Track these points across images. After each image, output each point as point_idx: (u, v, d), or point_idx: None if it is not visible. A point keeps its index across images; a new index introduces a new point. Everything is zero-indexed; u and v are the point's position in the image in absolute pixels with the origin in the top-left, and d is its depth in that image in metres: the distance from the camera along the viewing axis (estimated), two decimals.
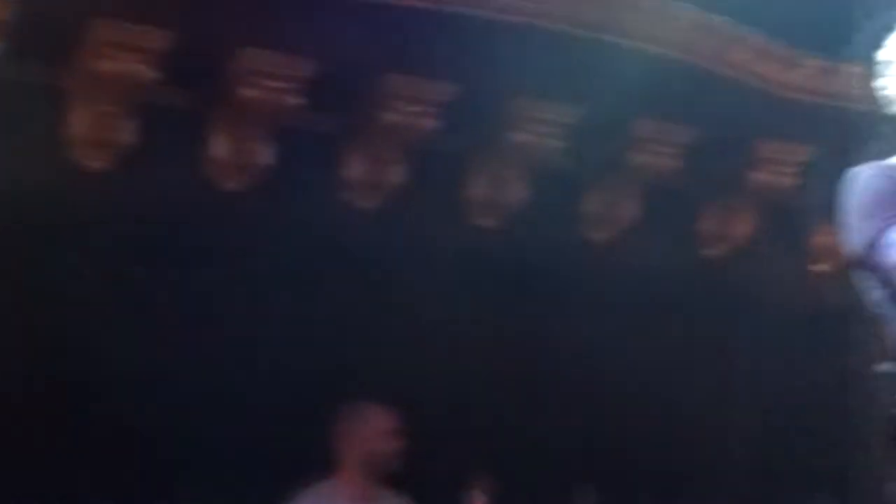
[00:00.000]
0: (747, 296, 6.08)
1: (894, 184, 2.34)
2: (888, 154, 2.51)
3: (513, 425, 5.60)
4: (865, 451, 5.07)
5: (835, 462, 5.77)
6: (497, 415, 5.59)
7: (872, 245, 2.29)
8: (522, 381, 5.70)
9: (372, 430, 4.95)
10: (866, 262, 2.34)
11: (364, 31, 4.87)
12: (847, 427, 5.60)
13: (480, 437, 5.40)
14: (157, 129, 4.99)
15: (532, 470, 5.50)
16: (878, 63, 2.56)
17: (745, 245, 6.13)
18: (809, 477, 5.86)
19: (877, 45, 2.56)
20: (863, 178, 2.39)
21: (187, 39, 4.78)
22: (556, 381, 5.75)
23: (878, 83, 2.56)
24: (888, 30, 2.55)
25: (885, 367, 2.31)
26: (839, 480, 5.72)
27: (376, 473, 4.97)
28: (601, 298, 5.83)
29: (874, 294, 2.36)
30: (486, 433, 5.46)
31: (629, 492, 5.54)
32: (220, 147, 5.20)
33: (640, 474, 5.72)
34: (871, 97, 2.62)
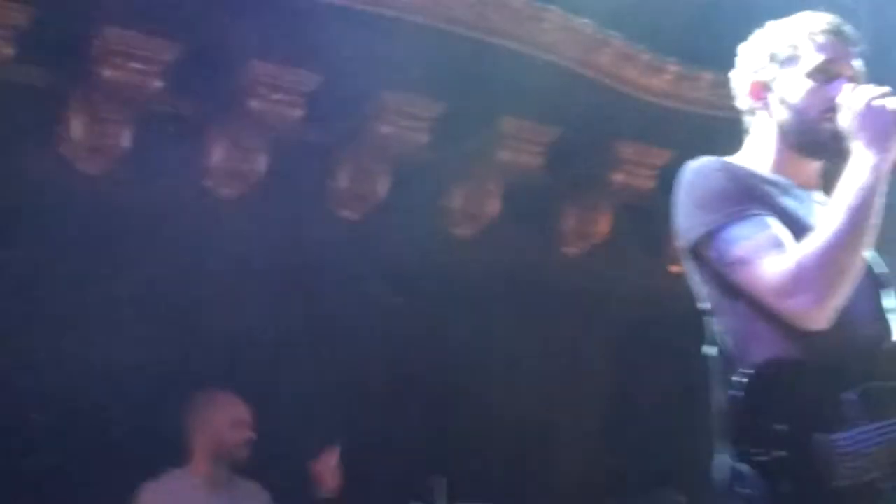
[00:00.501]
0: (604, 294, 6.21)
1: (734, 180, 2.38)
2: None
3: (368, 416, 5.59)
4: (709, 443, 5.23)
5: (682, 456, 5.93)
6: (354, 407, 5.58)
7: (710, 238, 2.33)
8: (381, 373, 5.71)
9: (221, 419, 4.93)
10: (702, 254, 2.38)
11: (231, 17, 4.80)
12: (695, 421, 5.76)
13: (336, 430, 5.37)
14: (14, 110, 4.84)
15: (385, 461, 5.50)
16: (733, 70, 2.63)
17: (604, 244, 6.26)
18: (656, 470, 6.01)
19: (733, 53, 2.63)
20: (704, 172, 2.42)
21: (46, 17, 4.63)
22: (414, 375, 5.78)
23: (733, 90, 2.65)
24: (743, 38, 2.62)
25: (710, 350, 2.38)
26: (685, 474, 5.87)
27: (226, 462, 4.93)
28: (462, 293, 5.88)
29: (705, 287, 2.41)
30: (342, 426, 5.44)
31: (480, 484, 5.58)
32: (78, 128, 5.05)
33: (491, 467, 5.78)
34: (727, 103, 2.69)
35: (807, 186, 2.53)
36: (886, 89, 2.34)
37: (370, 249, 5.71)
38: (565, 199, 6.23)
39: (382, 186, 5.74)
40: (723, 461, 2.15)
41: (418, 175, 5.77)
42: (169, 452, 4.97)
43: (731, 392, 2.17)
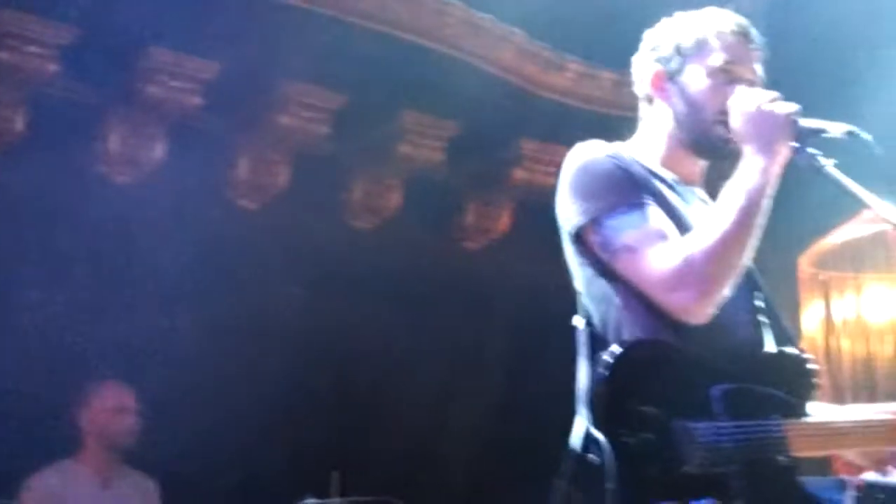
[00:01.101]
0: (504, 288, 6.25)
1: (622, 168, 2.38)
2: None
3: (265, 409, 5.53)
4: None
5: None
6: (251, 400, 5.52)
7: (595, 225, 2.33)
8: (279, 365, 5.65)
9: (104, 407, 4.86)
10: (585, 239, 2.37)
11: (129, 3, 4.71)
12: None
13: (232, 425, 5.31)
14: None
15: (281, 455, 5.45)
16: (636, 54, 2.64)
17: (504, 239, 6.31)
18: (553, 462, 6.06)
19: (631, 52, 2.64)
20: (591, 158, 2.41)
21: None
22: (312, 367, 5.73)
23: (633, 74, 2.66)
24: (640, 38, 2.64)
25: (578, 323, 2.38)
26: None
27: (113, 451, 4.87)
28: (362, 285, 5.87)
29: (586, 271, 2.40)
30: (237, 419, 5.38)
31: (375, 478, 5.57)
32: None
33: (387, 461, 5.76)
34: (628, 102, 2.71)
35: (690, 182, 2.55)
36: (776, 94, 2.36)
37: (270, 240, 5.66)
38: (466, 194, 6.26)
39: (283, 177, 5.69)
40: (580, 429, 2.18)
41: (319, 167, 5.73)
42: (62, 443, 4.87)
43: (598, 369, 2.18)
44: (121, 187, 5.34)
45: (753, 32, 2.55)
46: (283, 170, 5.68)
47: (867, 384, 6.63)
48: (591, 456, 2.13)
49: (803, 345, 6.79)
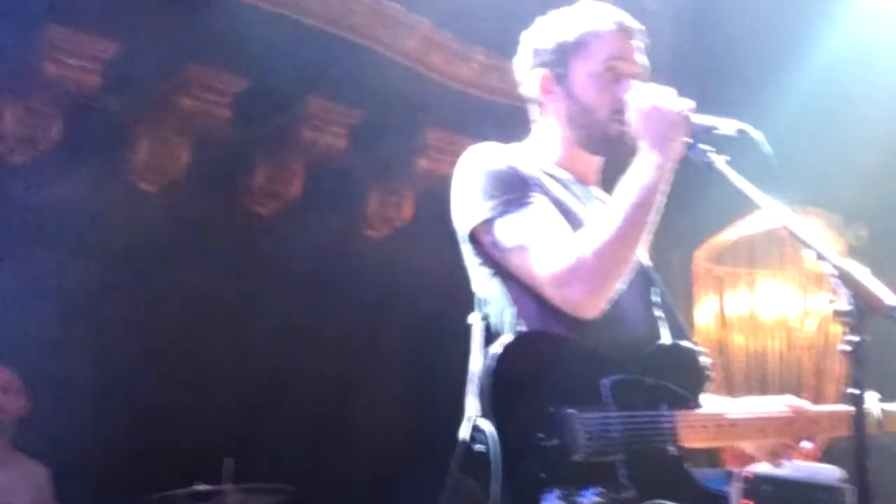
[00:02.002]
0: (405, 278, 6.25)
1: (514, 167, 2.39)
2: None
3: (159, 395, 5.46)
4: None
5: None
6: (144, 386, 5.43)
7: (488, 224, 2.34)
8: (178, 352, 5.57)
9: None
10: (478, 239, 2.38)
11: None
12: None
13: (126, 411, 5.23)
14: None
15: (172, 442, 5.38)
16: (517, 58, 2.65)
17: (408, 228, 6.31)
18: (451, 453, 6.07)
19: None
20: (484, 158, 2.42)
21: None
22: (212, 355, 5.67)
23: (517, 78, 2.63)
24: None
25: (474, 319, 2.39)
26: None
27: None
28: (264, 272, 5.82)
29: (481, 271, 2.42)
30: (132, 405, 5.30)
31: (271, 466, 5.53)
32: None
33: (283, 449, 5.72)
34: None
35: (586, 181, 2.58)
36: (671, 90, 2.38)
37: (169, 225, 5.57)
38: (369, 182, 6.25)
39: (183, 160, 5.61)
40: (468, 420, 2.18)
41: (221, 151, 5.66)
42: None
43: (487, 360, 2.20)
44: (15, 168, 5.21)
45: (633, 23, 2.57)
46: (184, 152, 5.60)
47: (758, 378, 6.78)
48: (477, 446, 2.14)
49: (697, 339, 6.94)
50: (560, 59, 2.54)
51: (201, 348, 5.60)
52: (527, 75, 2.61)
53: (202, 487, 4.67)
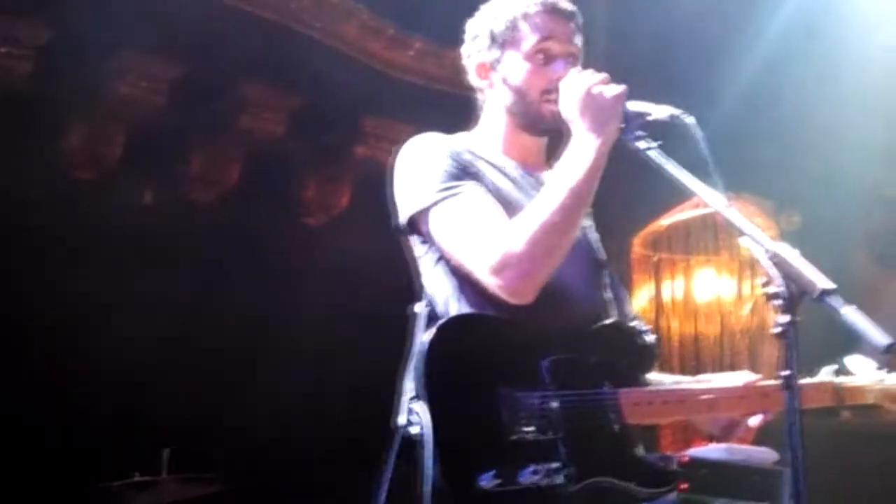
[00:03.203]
0: (343, 265, 6.23)
1: (452, 157, 2.39)
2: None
3: (95, 386, 5.39)
4: None
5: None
6: (80, 379, 5.36)
7: (425, 213, 2.35)
8: (112, 340, 5.50)
9: None
10: (417, 228, 2.39)
11: None
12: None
13: (59, 401, 5.16)
14: None
15: (110, 432, 5.32)
16: (461, 47, 2.67)
17: (345, 215, 6.29)
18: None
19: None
20: (422, 147, 2.43)
21: None
22: (146, 346, 5.60)
23: (462, 67, 2.62)
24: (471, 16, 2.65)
25: (417, 307, 2.37)
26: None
27: None
28: (199, 261, 5.77)
29: (421, 258, 2.42)
30: (65, 395, 5.23)
31: (207, 456, 5.49)
32: None
33: (220, 440, 5.68)
34: (467, 81, 2.73)
35: (533, 167, 2.58)
36: (605, 76, 2.38)
37: (102, 212, 5.50)
38: (307, 169, 6.22)
39: (118, 148, 5.54)
40: (404, 402, 2.18)
41: (157, 138, 5.60)
42: None
43: (424, 342, 2.19)
44: None
45: (565, 5, 2.57)
46: (119, 140, 5.54)
47: (694, 362, 6.87)
48: (412, 428, 2.14)
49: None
50: (493, 46, 2.55)
51: (138, 338, 5.54)
52: (466, 63, 2.62)
53: (139, 478, 4.64)
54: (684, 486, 5.48)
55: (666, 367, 6.95)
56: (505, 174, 2.48)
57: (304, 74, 5.49)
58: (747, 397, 2.49)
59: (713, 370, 6.76)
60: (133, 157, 5.59)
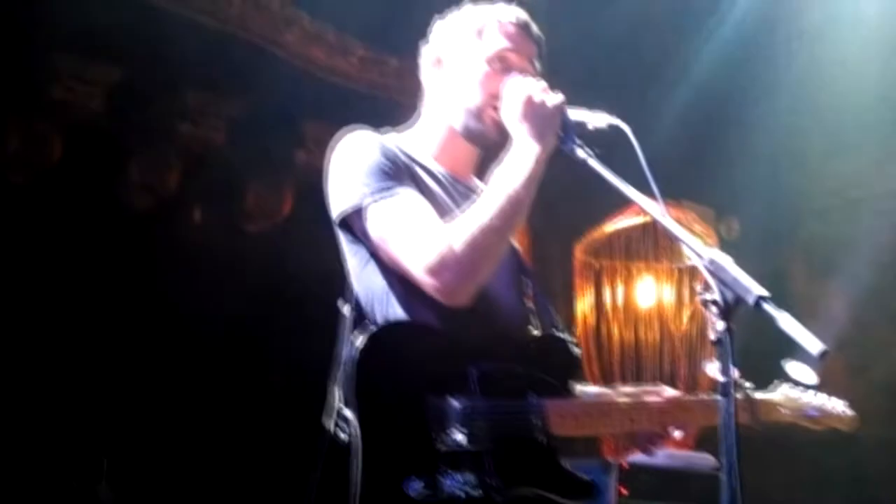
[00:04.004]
0: (284, 272, 6.20)
1: (388, 156, 2.38)
2: None
3: (31, 394, 5.32)
4: None
5: None
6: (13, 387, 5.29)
7: (360, 212, 2.32)
8: (52, 349, 5.43)
9: None
10: (351, 226, 2.37)
11: None
12: None
13: None
14: None
15: (45, 441, 5.25)
16: (424, 42, 2.63)
17: (287, 222, 6.26)
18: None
19: (417, 39, 2.66)
20: (358, 144, 2.42)
21: None
22: (89, 354, 5.54)
23: (420, 62, 2.64)
24: (429, 25, 2.66)
25: (344, 308, 2.39)
26: None
27: None
28: (139, 269, 5.71)
29: (353, 257, 2.41)
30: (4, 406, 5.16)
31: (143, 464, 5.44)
32: None
33: (155, 448, 5.62)
34: (413, 89, 2.73)
35: (463, 176, 2.59)
36: (545, 84, 2.41)
37: (39, 219, 5.42)
38: (249, 175, 6.18)
39: (55, 152, 5.47)
40: (332, 409, 2.18)
41: (95, 144, 5.54)
42: None
43: (353, 348, 2.19)
44: None
45: (536, 29, 2.60)
46: (56, 144, 5.46)
47: (634, 368, 6.91)
48: (342, 435, 2.13)
49: (577, 329, 7.05)
50: (457, 42, 2.57)
51: (79, 345, 5.48)
52: (424, 56, 2.63)
53: (77, 486, 4.59)
54: (625, 491, 5.53)
55: (607, 373, 7.05)
56: (436, 179, 2.49)
57: (244, 81, 5.46)
58: (668, 411, 2.54)
59: (653, 376, 6.88)
60: (72, 161, 5.52)
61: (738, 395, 2.54)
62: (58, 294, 5.45)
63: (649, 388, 2.61)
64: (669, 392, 2.59)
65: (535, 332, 2.48)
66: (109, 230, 5.68)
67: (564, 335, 2.48)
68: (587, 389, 2.56)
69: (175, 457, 5.64)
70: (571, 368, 2.45)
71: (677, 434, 2.63)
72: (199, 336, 5.87)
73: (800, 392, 2.81)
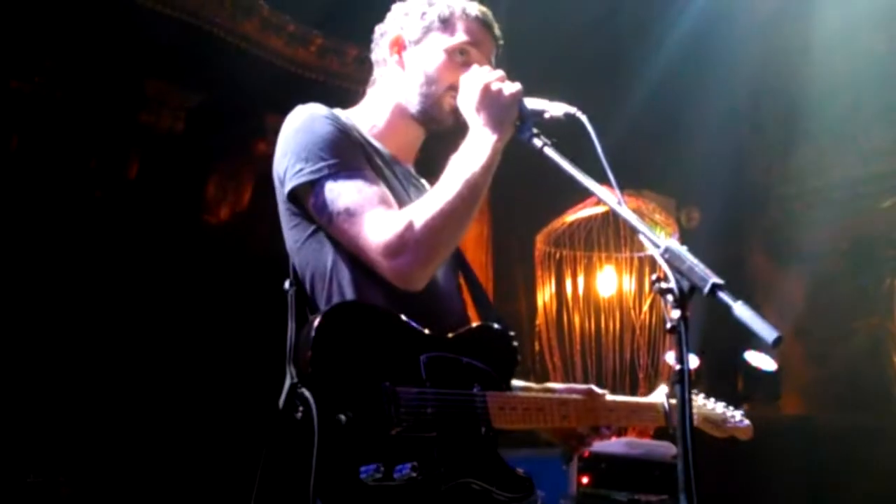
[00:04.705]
0: (243, 263, 6.17)
1: (343, 132, 2.36)
2: None
3: None
4: None
5: None
6: None
7: (312, 187, 2.29)
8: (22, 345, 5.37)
9: None
10: (300, 200, 2.33)
11: None
12: None
13: None
14: None
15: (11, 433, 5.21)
16: (382, 21, 2.62)
17: (246, 212, 6.23)
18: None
19: (373, 27, 2.65)
20: (311, 119, 2.38)
21: None
22: (45, 343, 5.49)
23: (374, 38, 2.62)
24: (384, 13, 2.65)
25: (289, 287, 2.36)
26: None
27: None
28: (98, 259, 5.67)
29: (298, 232, 2.37)
30: None
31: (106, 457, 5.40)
32: None
33: (117, 438, 5.59)
34: (367, 77, 2.73)
35: (404, 159, 2.59)
36: (502, 73, 2.42)
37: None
38: (208, 166, 6.15)
39: (14, 143, 5.42)
40: (286, 388, 2.16)
41: (52, 134, 5.49)
42: None
43: (306, 330, 2.17)
44: None
45: (497, 29, 2.62)
46: (13, 136, 5.41)
47: (595, 356, 6.95)
48: (297, 413, 2.11)
49: (538, 319, 7.06)
50: (420, 26, 2.56)
51: (36, 339, 5.43)
52: (383, 34, 2.62)
53: (34, 480, 4.56)
54: (586, 479, 5.56)
55: (568, 363, 7.06)
56: (383, 159, 2.48)
57: (203, 70, 5.43)
58: (595, 410, 2.62)
59: (614, 365, 6.91)
60: (30, 152, 5.47)
61: (655, 400, 2.69)
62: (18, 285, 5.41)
63: (580, 387, 2.67)
64: (598, 392, 2.65)
65: (478, 323, 2.48)
66: (73, 219, 5.63)
67: (504, 328, 2.48)
68: (517, 383, 2.56)
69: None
70: (511, 361, 2.46)
71: (606, 433, 2.71)
72: (157, 326, 5.84)
73: (704, 401, 2.94)
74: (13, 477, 4.52)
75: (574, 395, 2.60)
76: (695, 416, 2.71)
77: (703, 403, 2.92)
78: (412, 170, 2.62)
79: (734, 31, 6.95)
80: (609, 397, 2.67)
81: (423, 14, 2.58)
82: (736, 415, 2.96)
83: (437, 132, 2.57)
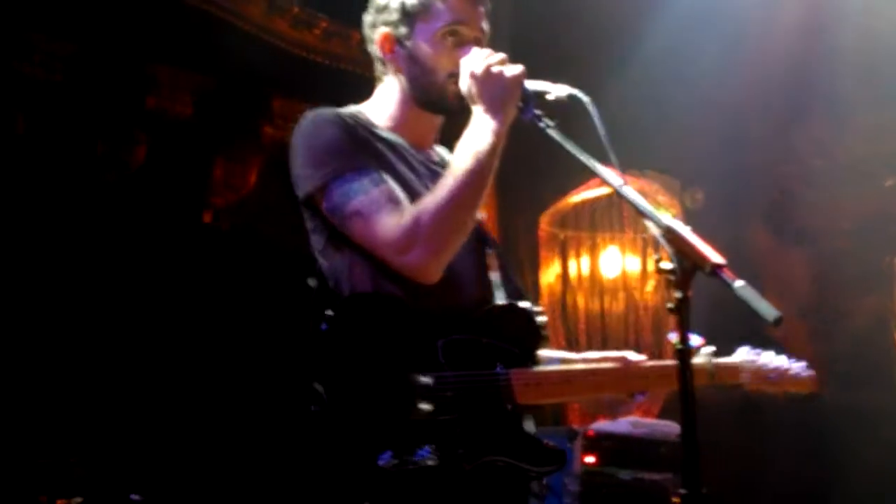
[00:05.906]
0: (260, 245, 6.19)
1: (350, 133, 2.39)
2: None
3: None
4: None
5: None
6: None
7: (325, 190, 2.33)
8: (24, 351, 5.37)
9: None
10: (315, 204, 2.37)
11: None
12: None
13: None
14: None
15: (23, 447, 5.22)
16: (365, 17, 2.60)
17: (251, 195, 6.25)
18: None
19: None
20: (320, 123, 2.42)
21: None
22: (55, 350, 5.49)
23: (365, 37, 2.62)
24: None
25: (311, 282, 2.40)
26: None
27: None
28: (108, 240, 5.68)
29: (318, 236, 2.41)
30: None
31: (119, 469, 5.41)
32: None
33: (132, 451, 5.59)
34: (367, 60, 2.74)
35: (422, 145, 2.59)
36: (504, 56, 2.41)
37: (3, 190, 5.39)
38: (215, 149, 6.17)
39: (19, 126, 5.43)
40: (303, 381, 2.19)
41: (58, 119, 5.50)
42: None
43: (321, 322, 2.22)
44: None
45: None
46: (19, 119, 5.42)
47: (600, 337, 6.98)
48: (312, 407, 2.15)
49: (543, 300, 7.09)
50: (404, 20, 2.53)
51: (45, 321, 5.45)
52: (370, 34, 2.61)
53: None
54: (590, 458, 5.60)
55: (573, 343, 7.09)
56: (397, 152, 2.49)
57: (210, 54, 5.44)
58: (628, 378, 2.57)
59: (619, 345, 6.95)
60: (36, 135, 5.48)
61: (700, 360, 2.63)
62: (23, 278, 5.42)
63: (613, 354, 2.63)
64: (633, 358, 2.61)
65: (499, 303, 2.49)
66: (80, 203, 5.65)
67: (528, 304, 2.49)
68: (552, 354, 2.58)
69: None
70: (536, 338, 2.46)
71: (641, 399, 2.67)
72: (163, 308, 5.86)
73: (757, 355, 2.82)
74: (26, 460, 4.54)
75: (605, 364, 2.58)
76: (749, 374, 2.73)
77: (756, 359, 2.79)
78: (434, 155, 2.62)
79: (737, 8, 6.93)
80: (643, 362, 2.61)
81: (402, 6, 2.54)
82: (795, 367, 2.84)
83: (449, 115, 2.57)
